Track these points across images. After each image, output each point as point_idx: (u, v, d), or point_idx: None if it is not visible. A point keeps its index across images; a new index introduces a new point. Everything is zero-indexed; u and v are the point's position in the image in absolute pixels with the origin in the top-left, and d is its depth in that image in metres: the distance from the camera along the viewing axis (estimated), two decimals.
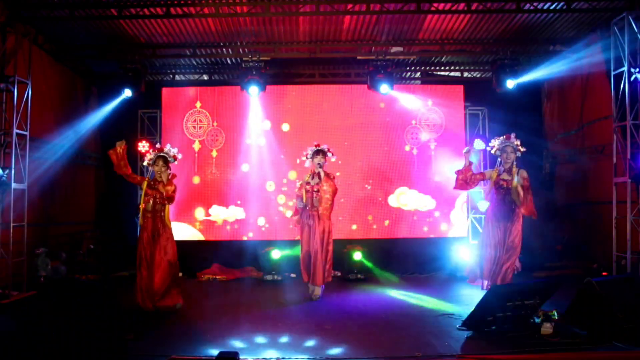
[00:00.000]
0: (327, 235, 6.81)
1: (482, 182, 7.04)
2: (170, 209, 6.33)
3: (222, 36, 8.33)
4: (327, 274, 6.85)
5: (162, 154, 6.19)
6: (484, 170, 7.08)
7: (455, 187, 6.80)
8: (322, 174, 6.73)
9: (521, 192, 6.25)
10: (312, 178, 6.86)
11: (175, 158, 6.30)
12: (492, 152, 6.64)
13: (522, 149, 6.48)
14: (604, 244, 7.46)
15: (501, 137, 6.56)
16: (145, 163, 6.41)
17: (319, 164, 6.75)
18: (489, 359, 4.33)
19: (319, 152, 6.80)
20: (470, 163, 6.64)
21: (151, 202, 6.09)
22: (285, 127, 9.31)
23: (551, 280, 7.10)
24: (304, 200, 6.82)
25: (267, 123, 9.28)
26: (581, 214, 8.99)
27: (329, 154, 6.89)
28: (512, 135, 6.50)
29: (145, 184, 6.16)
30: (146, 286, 5.92)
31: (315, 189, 6.79)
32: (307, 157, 6.90)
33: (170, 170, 6.21)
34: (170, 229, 6.17)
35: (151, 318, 5.71)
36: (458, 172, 6.67)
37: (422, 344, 4.75)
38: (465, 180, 6.58)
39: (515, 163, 6.45)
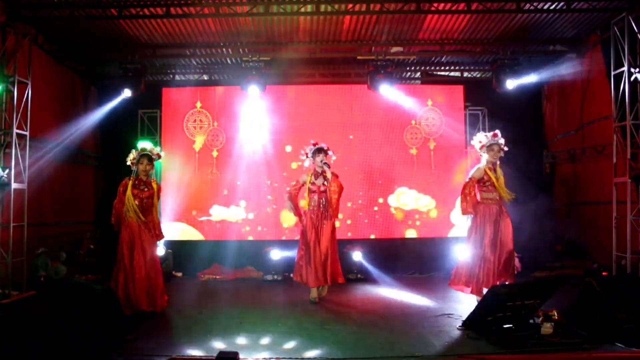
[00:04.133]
0: (334, 234, 6.68)
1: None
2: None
3: (222, 36, 8.31)
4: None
5: (146, 152, 6.12)
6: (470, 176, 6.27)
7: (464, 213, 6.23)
8: (328, 174, 6.54)
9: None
10: (317, 178, 6.65)
11: (159, 156, 6.26)
12: (479, 148, 6.20)
13: (505, 149, 6.14)
14: (604, 244, 7.45)
15: (488, 134, 6.17)
16: (128, 162, 6.20)
17: (322, 163, 6.53)
18: (489, 359, 4.33)
19: (320, 150, 6.58)
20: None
21: (137, 202, 6.05)
22: (285, 127, 9.29)
23: (551, 280, 7.11)
24: (313, 202, 6.58)
25: (267, 123, 9.26)
26: (581, 214, 8.99)
27: (330, 152, 6.71)
28: (499, 133, 6.12)
29: (130, 183, 6.05)
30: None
31: (322, 189, 6.60)
32: (306, 157, 6.72)
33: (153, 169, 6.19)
34: None
35: (151, 318, 5.71)
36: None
37: (422, 344, 4.75)
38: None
39: (498, 162, 6.13)
